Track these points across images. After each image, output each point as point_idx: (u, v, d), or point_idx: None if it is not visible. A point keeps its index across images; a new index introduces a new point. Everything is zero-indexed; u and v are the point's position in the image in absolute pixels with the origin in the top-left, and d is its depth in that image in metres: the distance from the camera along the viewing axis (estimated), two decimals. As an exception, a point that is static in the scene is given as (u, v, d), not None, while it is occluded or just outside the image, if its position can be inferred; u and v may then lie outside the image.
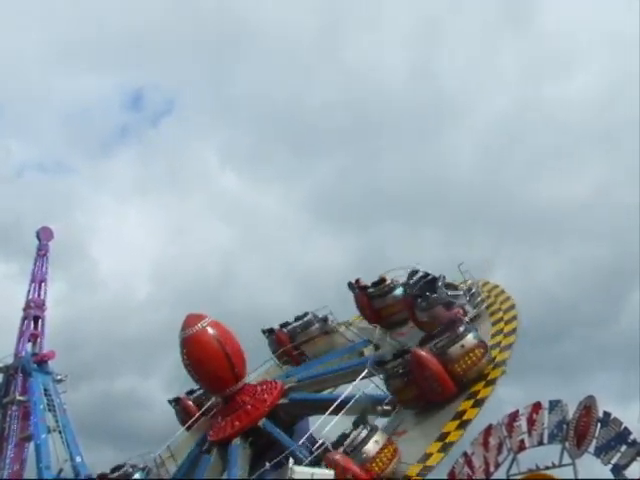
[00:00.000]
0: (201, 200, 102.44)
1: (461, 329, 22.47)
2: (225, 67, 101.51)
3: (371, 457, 20.77)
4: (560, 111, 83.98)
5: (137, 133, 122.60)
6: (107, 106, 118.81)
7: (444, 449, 20.78)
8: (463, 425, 21.21)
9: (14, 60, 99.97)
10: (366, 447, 20.91)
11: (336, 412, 23.90)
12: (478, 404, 21.62)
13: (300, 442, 24.05)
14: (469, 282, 26.40)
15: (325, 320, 31.58)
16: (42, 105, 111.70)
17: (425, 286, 25.90)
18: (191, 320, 26.56)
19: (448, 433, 21.08)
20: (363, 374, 24.92)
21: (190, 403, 31.81)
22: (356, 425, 21.63)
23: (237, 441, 26.34)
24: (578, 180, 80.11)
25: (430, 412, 22.64)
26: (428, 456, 20.84)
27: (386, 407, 23.77)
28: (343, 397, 24.23)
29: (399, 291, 28.15)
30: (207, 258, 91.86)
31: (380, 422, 24.09)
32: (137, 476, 29.67)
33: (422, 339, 23.40)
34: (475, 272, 27.44)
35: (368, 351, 27.92)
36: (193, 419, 30.53)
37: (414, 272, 26.85)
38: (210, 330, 26.40)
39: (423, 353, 22.20)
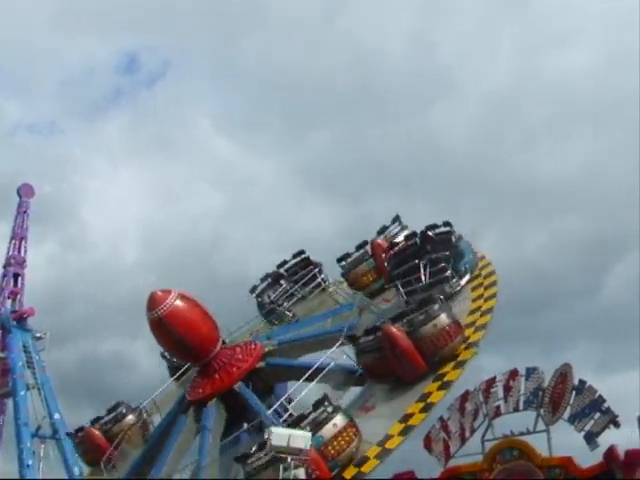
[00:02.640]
0: (193, 165, 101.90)
1: (435, 307, 22.50)
2: (223, 32, 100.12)
3: (327, 440, 20.50)
4: (555, 85, 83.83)
5: (131, 96, 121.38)
6: (101, 68, 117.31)
7: (405, 432, 20.91)
8: (427, 408, 21.36)
9: (9, 22, 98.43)
10: (323, 430, 20.61)
11: (311, 379, 24.02)
12: (444, 387, 21.74)
13: (272, 410, 24.17)
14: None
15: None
16: (37, 66, 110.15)
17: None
18: (157, 299, 25.86)
19: (412, 415, 21.23)
20: (338, 344, 25.03)
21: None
22: (316, 406, 21.28)
23: (212, 403, 26.43)
24: (567, 154, 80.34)
25: (399, 389, 22.70)
26: (389, 437, 20.99)
27: (358, 379, 23.81)
28: (317, 365, 24.31)
29: None
30: (197, 223, 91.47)
31: (354, 391, 24.26)
32: (130, 417, 29.78)
33: (395, 316, 23.29)
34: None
35: (352, 316, 27.83)
36: (182, 370, 30.23)
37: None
38: (177, 305, 26.02)
39: (394, 330, 22.27)
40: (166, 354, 31.45)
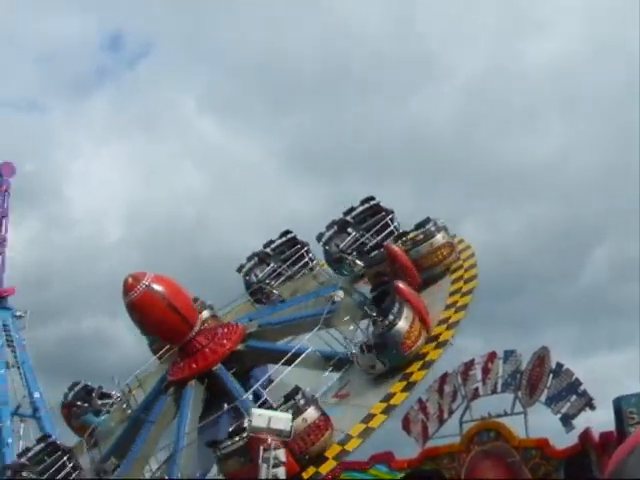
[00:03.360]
0: (176, 144, 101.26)
1: (432, 228, 24.14)
2: (208, 12, 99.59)
3: (297, 434, 19.93)
4: (535, 71, 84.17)
5: (114, 75, 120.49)
6: (84, 47, 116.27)
7: (364, 434, 21.08)
8: (387, 410, 21.54)
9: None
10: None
11: (289, 363, 24.16)
12: (408, 388, 21.94)
13: (248, 393, 24.26)
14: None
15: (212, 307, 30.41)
16: (18, 44, 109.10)
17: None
18: (132, 282, 25.80)
19: (373, 415, 21.44)
20: (316, 329, 25.16)
21: None
22: (287, 399, 20.88)
23: (192, 383, 26.55)
24: (543, 140, 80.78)
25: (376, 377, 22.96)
26: (372, 417, 21.13)
27: (336, 364, 23.87)
28: (294, 350, 24.44)
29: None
30: (180, 202, 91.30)
31: (331, 377, 24.45)
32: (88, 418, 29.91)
33: (395, 237, 25.01)
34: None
35: (337, 296, 27.79)
36: (164, 350, 30.24)
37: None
38: (152, 288, 26.04)
39: (395, 247, 23.82)
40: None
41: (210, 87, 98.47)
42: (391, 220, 27.45)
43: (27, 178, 69.12)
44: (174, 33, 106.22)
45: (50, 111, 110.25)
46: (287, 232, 31.57)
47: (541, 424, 19.18)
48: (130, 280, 25.72)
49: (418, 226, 24.81)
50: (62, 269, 78.10)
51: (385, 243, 24.67)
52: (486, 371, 20.45)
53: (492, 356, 20.55)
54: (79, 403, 30.57)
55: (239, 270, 31.42)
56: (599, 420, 17.94)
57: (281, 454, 17.54)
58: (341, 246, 29.28)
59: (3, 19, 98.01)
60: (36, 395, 52.40)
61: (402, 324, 21.46)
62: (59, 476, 26.06)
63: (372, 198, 28.46)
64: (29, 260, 70.85)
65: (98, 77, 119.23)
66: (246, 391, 24.69)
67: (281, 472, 17.55)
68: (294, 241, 31.19)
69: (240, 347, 26.67)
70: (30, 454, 26.90)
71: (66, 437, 30.70)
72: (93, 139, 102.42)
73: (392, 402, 21.30)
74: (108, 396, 30.20)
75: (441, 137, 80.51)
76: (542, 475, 17.51)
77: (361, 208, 30.21)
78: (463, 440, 19.30)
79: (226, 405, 24.31)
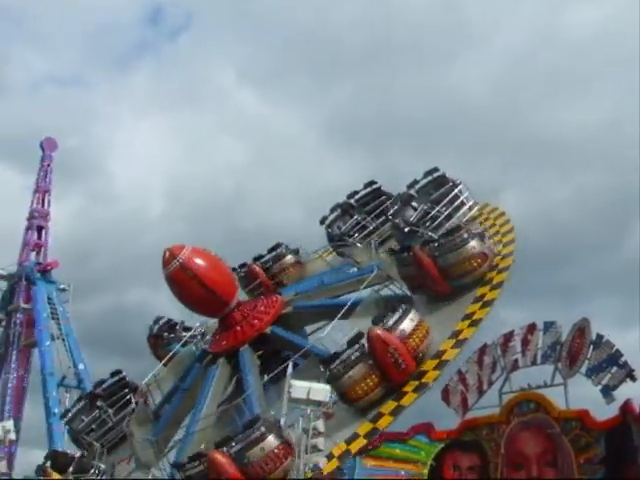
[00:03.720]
0: (216, 117, 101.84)
1: (464, 235, 23.28)
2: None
3: (408, 334, 21.89)
4: (580, 39, 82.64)
5: (154, 48, 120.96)
6: (126, 21, 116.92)
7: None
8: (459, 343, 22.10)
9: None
10: (403, 324, 22.01)
11: (345, 317, 24.29)
12: (475, 324, 22.34)
13: (309, 345, 24.56)
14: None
15: (297, 251, 31.15)
16: (60, 19, 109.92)
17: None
18: (171, 255, 26.09)
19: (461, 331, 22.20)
20: (364, 284, 25.33)
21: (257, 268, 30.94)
22: (350, 344, 21.98)
23: (221, 361, 26.73)
24: (589, 108, 79.40)
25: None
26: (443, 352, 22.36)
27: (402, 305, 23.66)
28: (308, 347, 24.56)
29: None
30: (220, 175, 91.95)
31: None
32: (290, 256, 30.74)
33: (424, 241, 24.00)
34: (482, 195, 27.93)
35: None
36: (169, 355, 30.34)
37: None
38: (191, 261, 26.19)
39: (422, 253, 23.23)
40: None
41: (250, 59, 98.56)
42: (460, 191, 26.06)
43: (70, 153, 70.32)
44: (214, 5, 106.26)
45: (93, 86, 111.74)
46: (372, 182, 30.41)
47: (581, 395, 19.06)
48: (167, 254, 26.06)
49: (450, 231, 23.76)
50: (106, 243, 79.29)
51: (413, 247, 23.61)
52: (526, 342, 20.31)
53: (532, 327, 20.41)
54: (165, 334, 31.40)
55: (322, 222, 30.68)
56: (640, 392, 17.78)
57: (320, 425, 17.68)
58: (342, 229, 29.32)
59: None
60: (81, 367, 53.41)
61: (353, 373, 21.75)
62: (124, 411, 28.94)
63: (436, 170, 26.88)
64: (73, 234, 72.06)
65: (139, 51, 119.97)
66: (276, 368, 24.91)
67: (320, 442, 17.71)
68: (379, 192, 30.10)
69: (267, 331, 26.69)
70: (104, 386, 29.85)
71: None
72: (135, 113, 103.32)
73: (402, 402, 21.75)
74: (189, 329, 30.94)
75: (483, 106, 79.76)
76: (582, 446, 17.43)
77: (364, 192, 30.00)
78: (503, 411, 19.26)
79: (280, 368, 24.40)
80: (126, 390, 29.77)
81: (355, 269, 28.40)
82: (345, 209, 30.12)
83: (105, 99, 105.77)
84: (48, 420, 50.62)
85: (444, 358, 22.14)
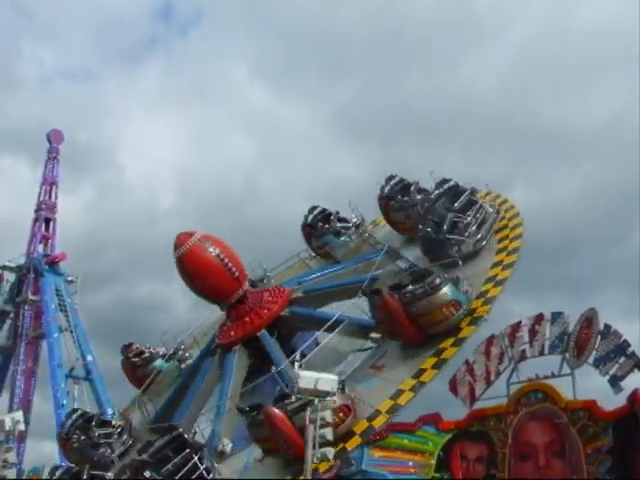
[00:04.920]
0: (227, 112, 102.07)
1: (437, 281, 22.42)
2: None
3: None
4: (588, 34, 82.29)
5: (165, 43, 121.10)
6: (136, 16, 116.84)
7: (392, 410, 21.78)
8: (414, 388, 22.18)
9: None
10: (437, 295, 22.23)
11: (331, 330, 24.43)
12: (439, 365, 22.31)
13: (288, 360, 24.59)
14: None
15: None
16: (71, 14, 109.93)
17: (399, 190, 27.62)
18: (183, 238, 26.66)
19: (402, 392, 22.08)
20: (354, 299, 25.33)
21: None
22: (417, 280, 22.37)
23: (237, 348, 26.86)
24: (596, 102, 79.14)
25: (412, 348, 23.11)
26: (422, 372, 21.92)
27: (374, 335, 23.99)
28: (335, 318, 24.70)
29: None
30: (230, 169, 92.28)
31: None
32: (157, 363, 30.52)
33: (393, 285, 23.16)
34: (492, 187, 27.99)
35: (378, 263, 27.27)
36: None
37: (391, 177, 28.46)
38: (203, 244, 26.53)
39: (390, 300, 22.34)
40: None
41: (260, 54, 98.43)
42: (477, 198, 26.42)
43: (81, 147, 70.31)
44: (224, 0, 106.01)
45: (104, 80, 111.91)
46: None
47: (589, 386, 19.07)
48: (180, 236, 26.67)
49: (422, 276, 22.92)
50: (116, 235, 79.63)
51: (382, 291, 22.75)
52: (533, 333, 20.30)
53: (539, 318, 20.39)
54: (319, 224, 31.39)
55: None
56: (648, 381, 17.77)
57: (327, 415, 17.68)
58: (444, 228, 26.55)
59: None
60: (89, 358, 53.61)
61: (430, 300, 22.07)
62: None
63: (446, 180, 27.09)
64: (84, 227, 72.24)
65: (150, 45, 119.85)
66: (290, 354, 25.06)
67: (328, 432, 17.71)
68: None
69: (285, 312, 26.95)
70: (153, 449, 23.25)
71: (119, 400, 31.49)
72: (145, 107, 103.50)
73: (422, 379, 21.67)
74: (345, 220, 31.05)
75: (492, 101, 79.56)
76: (590, 436, 17.43)
77: (437, 192, 27.63)
78: (510, 401, 19.25)
79: (273, 368, 24.63)
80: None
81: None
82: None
83: (116, 93, 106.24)
84: (57, 411, 50.81)
85: (461, 335, 22.23)
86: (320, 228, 30.76)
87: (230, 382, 25.94)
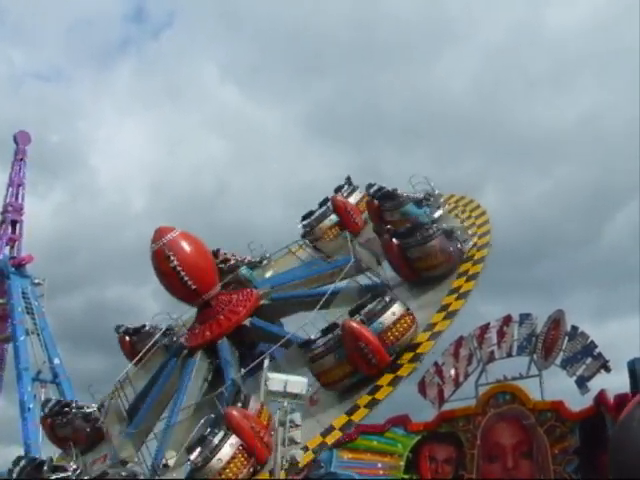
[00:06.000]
0: (199, 113, 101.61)
1: (430, 232, 23.77)
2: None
3: (386, 327, 21.98)
4: (559, 38, 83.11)
5: (138, 45, 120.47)
6: (108, 17, 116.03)
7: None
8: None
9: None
10: (382, 317, 22.16)
11: (325, 307, 24.43)
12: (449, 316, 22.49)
13: (289, 335, 24.51)
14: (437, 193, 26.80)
15: None
16: (42, 15, 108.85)
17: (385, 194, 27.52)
18: (161, 232, 26.75)
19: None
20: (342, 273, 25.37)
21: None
22: (374, 297, 22.56)
23: (198, 355, 26.72)
24: (567, 104, 79.98)
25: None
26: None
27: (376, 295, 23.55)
28: (288, 336, 24.61)
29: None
30: (202, 171, 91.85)
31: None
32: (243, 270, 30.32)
33: (351, 310, 23.07)
34: (463, 190, 28.10)
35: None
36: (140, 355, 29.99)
37: (370, 185, 28.65)
38: (177, 239, 26.55)
39: (355, 325, 22.16)
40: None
41: (233, 56, 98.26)
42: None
43: (53, 148, 69.50)
44: (197, 2, 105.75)
45: (75, 81, 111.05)
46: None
47: (556, 387, 19.23)
48: (159, 230, 26.89)
49: (417, 226, 24.17)
50: (87, 238, 78.88)
51: (345, 320, 22.52)
52: (501, 334, 20.43)
53: (507, 319, 20.53)
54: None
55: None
56: (615, 383, 17.94)
57: (297, 417, 17.69)
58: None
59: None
60: (56, 361, 52.98)
61: (327, 360, 22.16)
62: None
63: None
64: (55, 230, 71.60)
65: (122, 47, 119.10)
66: (251, 362, 24.95)
67: (297, 435, 17.71)
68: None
69: (246, 322, 26.79)
70: None
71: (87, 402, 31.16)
72: (117, 109, 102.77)
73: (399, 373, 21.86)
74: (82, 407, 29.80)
75: (465, 102, 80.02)
76: (557, 437, 17.56)
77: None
78: (479, 403, 19.34)
79: (242, 370, 24.48)
80: None
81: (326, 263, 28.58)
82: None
83: (88, 95, 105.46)
84: (23, 415, 50.24)
85: (419, 351, 22.24)
86: (396, 197, 27.49)
87: (185, 391, 25.72)
